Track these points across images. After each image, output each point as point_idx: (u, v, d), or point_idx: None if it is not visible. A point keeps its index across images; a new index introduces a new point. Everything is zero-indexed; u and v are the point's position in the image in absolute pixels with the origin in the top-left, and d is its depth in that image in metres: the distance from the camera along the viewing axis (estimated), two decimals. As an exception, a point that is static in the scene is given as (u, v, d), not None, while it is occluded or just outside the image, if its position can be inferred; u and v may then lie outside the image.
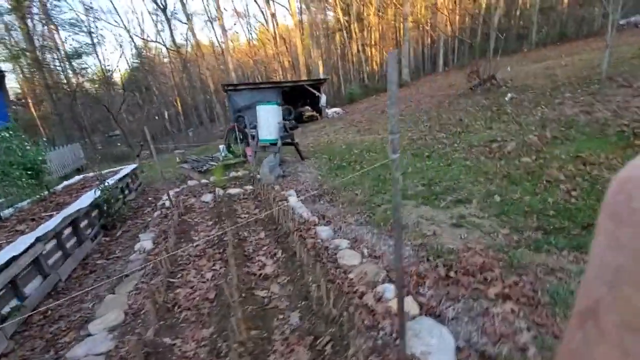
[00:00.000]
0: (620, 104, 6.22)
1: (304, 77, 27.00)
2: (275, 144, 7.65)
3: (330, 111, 18.07)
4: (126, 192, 7.52)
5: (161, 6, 29.82)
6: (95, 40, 35.03)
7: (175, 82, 40.25)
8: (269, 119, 7.52)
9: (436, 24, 29.37)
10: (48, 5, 21.43)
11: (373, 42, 37.50)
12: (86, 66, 31.03)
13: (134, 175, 8.69)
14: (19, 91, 27.93)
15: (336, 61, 38.45)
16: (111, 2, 46.72)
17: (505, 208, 3.38)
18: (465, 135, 6.93)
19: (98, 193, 5.51)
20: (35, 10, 20.35)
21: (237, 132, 8.49)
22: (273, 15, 32.62)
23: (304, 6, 30.86)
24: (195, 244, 3.98)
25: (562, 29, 26.40)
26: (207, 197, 5.95)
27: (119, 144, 40.25)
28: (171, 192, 7.06)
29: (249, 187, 6.28)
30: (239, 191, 6.07)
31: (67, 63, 22.60)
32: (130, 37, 38.53)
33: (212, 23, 32.48)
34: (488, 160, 5.05)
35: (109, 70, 41.40)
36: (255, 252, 3.55)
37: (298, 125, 16.45)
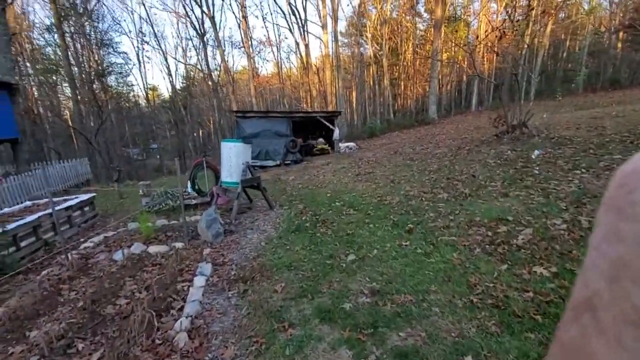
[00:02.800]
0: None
1: (331, 108, 26.16)
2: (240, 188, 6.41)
3: (343, 145, 16.79)
4: (64, 227, 6.51)
5: (200, 32, 31.20)
6: (141, 60, 37.19)
7: (210, 104, 41.57)
8: (231, 158, 6.30)
9: (474, 61, 27.75)
10: (88, 25, 22.69)
11: (407, 77, 36.39)
12: (131, 84, 32.64)
13: (89, 206, 7.74)
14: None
15: (368, 94, 37.65)
16: (152, 27, 50.34)
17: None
18: (471, 202, 5.22)
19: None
20: (73, 29, 21.52)
21: (205, 168, 7.32)
22: (307, 45, 32.77)
23: (340, 38, 30.65)
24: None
25: (614, 74, 23.82)
26: (119, 254, 4.68)
27: (158, 156, 42.10)
28: (98, 238, 5.91)
29: (178, 245, 4.96)
30: (159, 250, 4.75)
31: (99, 80, 23.48)
32: (165, 58, 40.61)
33: (244, 49, 33.11)
34: (484, 258, 3.35)
35: (152, 89, 43.76)
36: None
37: (304, 158, 15.28)
